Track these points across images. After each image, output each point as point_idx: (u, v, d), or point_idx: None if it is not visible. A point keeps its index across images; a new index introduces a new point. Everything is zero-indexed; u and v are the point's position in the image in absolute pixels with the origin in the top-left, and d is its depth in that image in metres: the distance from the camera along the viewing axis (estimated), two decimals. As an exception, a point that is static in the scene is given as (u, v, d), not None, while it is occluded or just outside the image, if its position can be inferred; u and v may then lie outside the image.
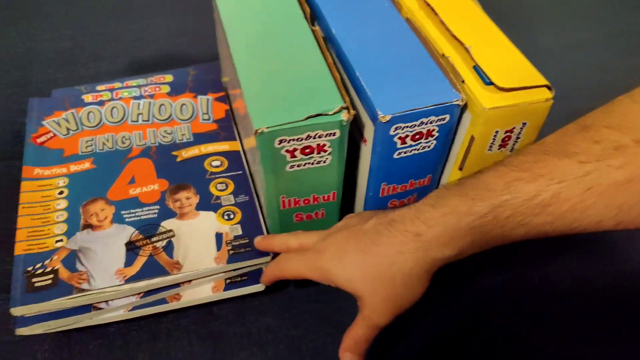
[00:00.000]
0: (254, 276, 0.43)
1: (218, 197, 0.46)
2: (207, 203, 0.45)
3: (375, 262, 0.33)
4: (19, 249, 0.40)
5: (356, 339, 0.35)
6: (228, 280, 0.43)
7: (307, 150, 0.36)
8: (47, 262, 0.40)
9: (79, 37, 0.71)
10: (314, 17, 0.44)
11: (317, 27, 0.42)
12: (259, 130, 0.34)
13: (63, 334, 0.42)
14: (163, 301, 0.41)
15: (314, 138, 0.35)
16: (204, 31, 0.72)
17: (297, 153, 0.36)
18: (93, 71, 0.67)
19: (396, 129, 0.36)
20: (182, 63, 0.68)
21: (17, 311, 0.37)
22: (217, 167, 0.48)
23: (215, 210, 0.45)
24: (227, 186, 0.47)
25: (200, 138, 0.50)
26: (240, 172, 0.48)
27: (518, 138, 0.39)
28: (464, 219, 0.30)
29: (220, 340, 0.43)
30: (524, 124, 0.37)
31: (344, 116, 0.35)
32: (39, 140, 0.48)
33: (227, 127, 0.52)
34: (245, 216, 0.45)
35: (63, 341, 0.42)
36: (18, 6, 0.76)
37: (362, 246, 0.34)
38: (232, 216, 0.45)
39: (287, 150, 0.36)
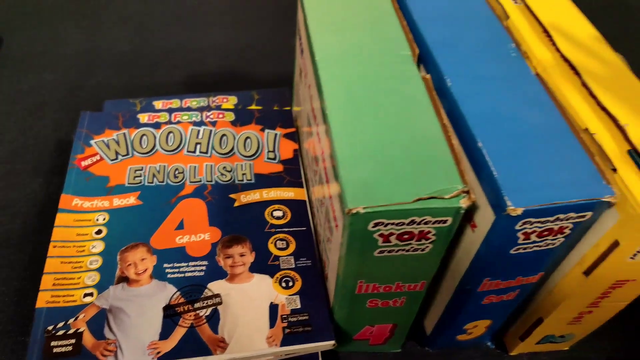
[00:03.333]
0: (310, 362, 0.36)
1: (277, 258, 0.39)
2: (263, 264, 0.38)
3: None
4: (42, 299, 0.34)
5: None
6: (278, 365, 0.36)
7: (406, 237, 0.28)
8: (71, 321, 0.33)
9: (139, 41, 0.66)
10: (421, 60, 0.36)
11: (428, 76, 0.34)
12: (353, 211, 0.26)
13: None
14: (198, 380, 0.34)
15: (419, 224, 0.28)
16: (271, 50, 0.66)
17: (392, 238, 0.28)
18: (149, 81, 0.61)
19: (524, 223, 0.28)
20: (244, 81, 0.62)
21: (28, 381, 0.31)
22: (278, 218, 0.41)
23: (272, 274, 0.38)
24: (287, 244, 0.40)
25: (263, 180, 0.43)
26: (305, 228, 0.41)
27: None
28: None
29: None
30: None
31: (463, 203, 0.27)
32: (83, 164, 0.42)
33: (295, 170, 0.45)
34: (306, 286, 0.37)
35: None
36: (81, 2, 0.72)
37: None
38: (290, 284, 0.37)
39: (380, 235, 0.28)
